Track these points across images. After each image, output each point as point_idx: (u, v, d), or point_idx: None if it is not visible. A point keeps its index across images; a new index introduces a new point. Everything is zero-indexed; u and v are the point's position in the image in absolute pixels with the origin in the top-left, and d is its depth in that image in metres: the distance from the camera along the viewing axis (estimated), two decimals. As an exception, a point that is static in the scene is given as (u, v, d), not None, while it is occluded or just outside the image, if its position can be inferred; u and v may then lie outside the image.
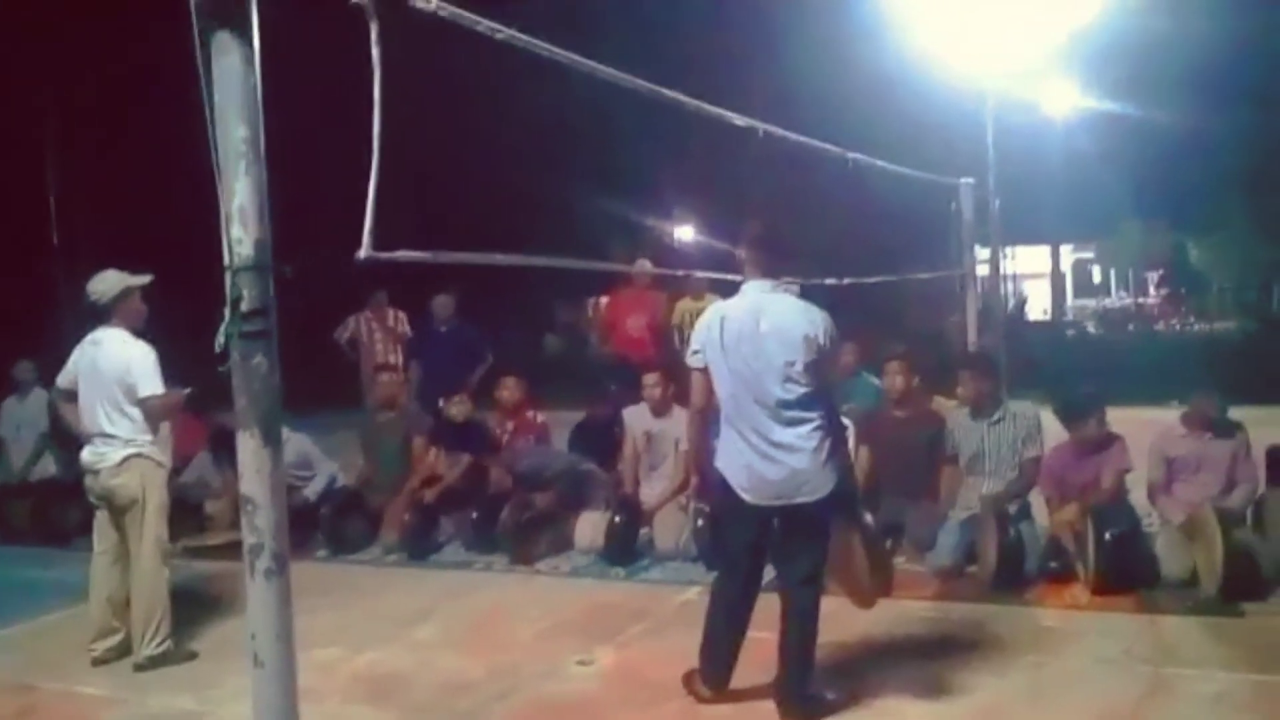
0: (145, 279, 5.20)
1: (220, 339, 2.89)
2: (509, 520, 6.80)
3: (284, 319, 3.06)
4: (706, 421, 4.26)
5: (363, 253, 3.23)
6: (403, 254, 3.46)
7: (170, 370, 5.14)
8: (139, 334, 5.16)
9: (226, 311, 2.88)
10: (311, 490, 7.53)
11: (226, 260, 2.85)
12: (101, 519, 5.20)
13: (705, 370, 4.17)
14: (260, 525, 2.98)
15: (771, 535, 4.18)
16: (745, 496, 4.07)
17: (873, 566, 4.30)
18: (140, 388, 5.00)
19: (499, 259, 4.47)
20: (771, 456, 4.00)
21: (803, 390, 4.00)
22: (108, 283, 5.13)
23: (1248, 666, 4.46)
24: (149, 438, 5.10)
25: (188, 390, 5.46)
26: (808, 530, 4.10)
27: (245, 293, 2.85)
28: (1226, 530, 5.28)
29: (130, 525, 5.09)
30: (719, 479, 4.16)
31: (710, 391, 4.17)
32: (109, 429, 5.05)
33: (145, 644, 5.02)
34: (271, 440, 2.97)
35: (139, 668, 5.01)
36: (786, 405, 4.00)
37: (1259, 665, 4.46)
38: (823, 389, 4.09)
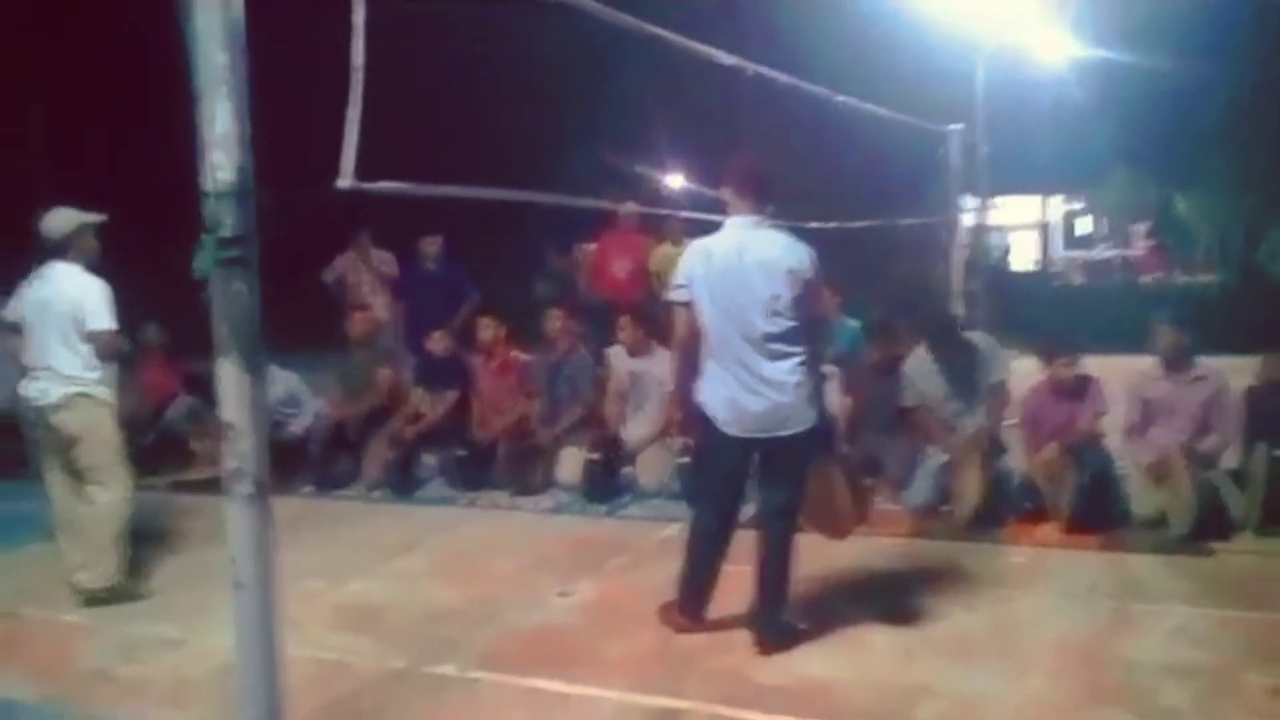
0: (100, 217, 5.13)
1: (199, 266, 2.91)
2: (507, 450, 6.95)
3: (269, 257, 3.08)
4: (690, 356, 4.25)
5: (343, 181, 3.25)
6: (384, 185, 3.48)
7: (141, 309, 5.10)
8: (93, 271, 5.07)
9: (206, 238, 2.90)
10: (299, 425, 7.59)
11: (206, 186, 2.86)
12: (46, 453, 5.12)
13: (689, 305, 4.18)
14: (241, 450, 3.03)
15: (751, 468, 4.25)
16: (727, 429, 4.13)
17: (852, 497, 4.39)
18: (90, 321, 4.92)
19: (482, 193, 4.49)
20: (754, 389, 4.06)
21: (787, 324, 4.04)
22: (63, 219, 5.05)
23: (1208, 602, 4.58)
24: (96, 375, 5.03)
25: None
26: (787, 464, 4.18)
27: (225, 219, 2.86)
28: (1194, 473, 5.38)
29: (76, 460, 5.04)
30: (700, 412, 4.20)
31: (694, 326, 4.18)
32: (55, 364, 4.96)
33: (90, 577, 5.00)
34: (252, 367, 3.00)
35: (84, 601, 4.99)
36: (770, 339, 4.04)
37: (1219, 601, 4.58)
38: (807, 324, 4.12)
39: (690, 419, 4.30)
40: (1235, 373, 6.12)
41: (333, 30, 3.99)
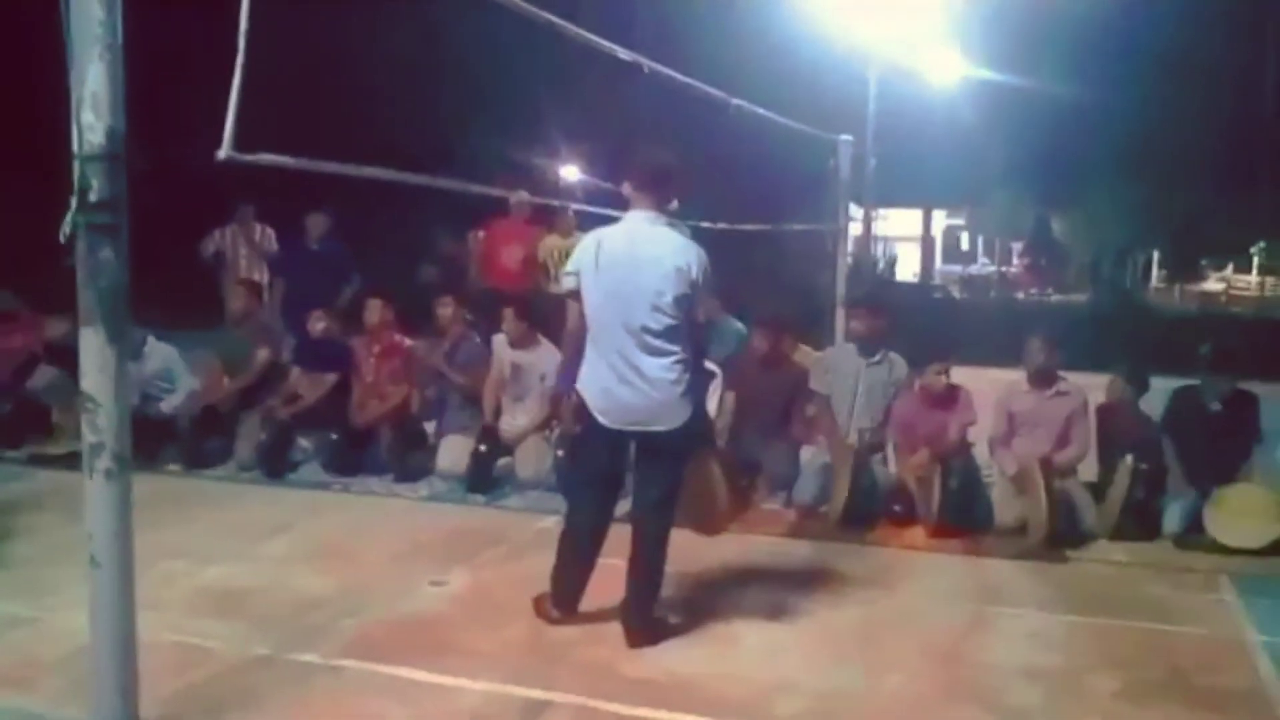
0: None
1: (65, 229, 2.79)
2: (390, 436, 6.88)
3: (148, 226, 2.98)
4: (579, 347, 4.23)
5: (223, 152, 3.14)
6: (266, 157, 3.37)
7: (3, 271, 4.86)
8: None
9: (74, 201, 2.78)
10: (168, 404, 7.34)
11: (75, 147, 2.75)
12: None
13: (577, 294, 4.18)
14: (101, 424, 2.93)
15: (627, 461, 4.27)
16: (602, 419, 4.14)
17: (730, 494, 4.44)
18: None
19: (369, 172, 4.39)
20: (630, 382, 4.07)
21: (669, 322, 4.06)
22: None
23: (1062, 608, 4.78)
24: None
25: None
26: (661, 459, 4.20)
27: (94, 182, 2.76)
28: (1049, 483, 5.62)
29: None
30: (578, 401, 4.21)
31: (582, 316, 4.18)
32: None
33: None
34: (116, 338, 2.90)
35: None
36: (652, 334, 4.05)
37: (1072, 607, 4.79)
38: (689, 324, 4.13)
39: (572, 409, 4.27)
40: (1100, 389, 6.41)
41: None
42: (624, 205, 4.31)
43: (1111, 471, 5.98)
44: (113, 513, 2.99)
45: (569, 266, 4.24)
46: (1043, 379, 6.13)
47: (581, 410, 4.20)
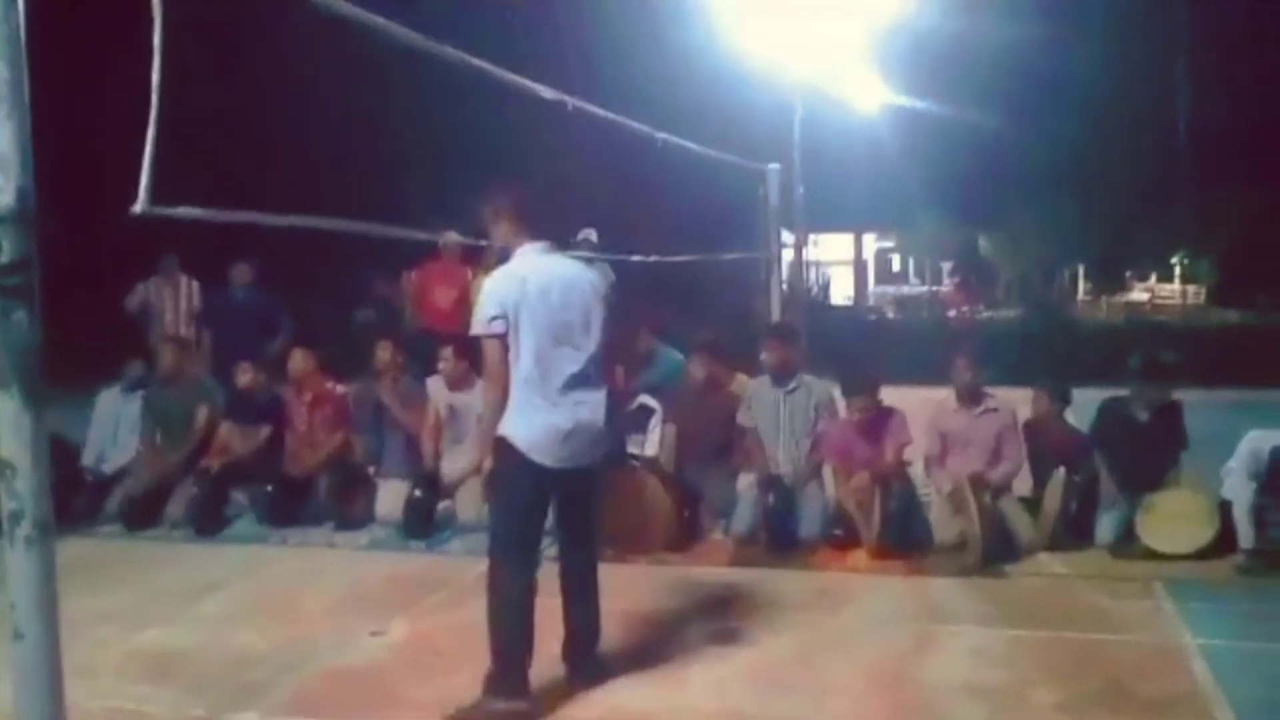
0: None
1: (-25, 293, 2.72)
2: (329, 483, 6.78)
3: (68, 286, 2.92)
4: (507, 391, 3.95)
5: (139, 206, 3.10)
6: (184, 210, 3.34)
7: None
8: None
9: (-18, 263, 2.72)
10: (111, 464, 7.22)
11: (-17, 209, 2.69)
12: None
13: (504, 336, 3.90)
14: (20, 490, 2.84)
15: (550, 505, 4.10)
16: (545, 463, 3.91)
17: (673, 509, 4.38)
18: None
19: (292, 221, 4.35)
20: (579, 417, 3.96)
21: (595, 346, 4.02)
22: None
23: (1003, 623, 4.85)
24: None
25: None
26: (590, 493, 4.17)
27: (4, 244, 2.69)
28: (981, 500, 5.70)
29: None
30: (506, 451, 3.93)
31: (506, 360, 3.93)
32: None
33: None
34: (32, 401, 2.82)
35: None
36: (593, 362, 4.01)
37: (1012, 621, 4.86)
38: (609, 345, 4.12)
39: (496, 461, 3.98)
40: (1029, 403, 6.52)
41: (138, 43, 3.83)
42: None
43: (1044, 485, 6.09)
44: (36, 581, 2.89)
45: (490, 309, 3.91)
46: (970, 397, 6.24)
47: (512, 458, 3.93)
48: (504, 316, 3.91)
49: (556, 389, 3.94)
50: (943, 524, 5.97)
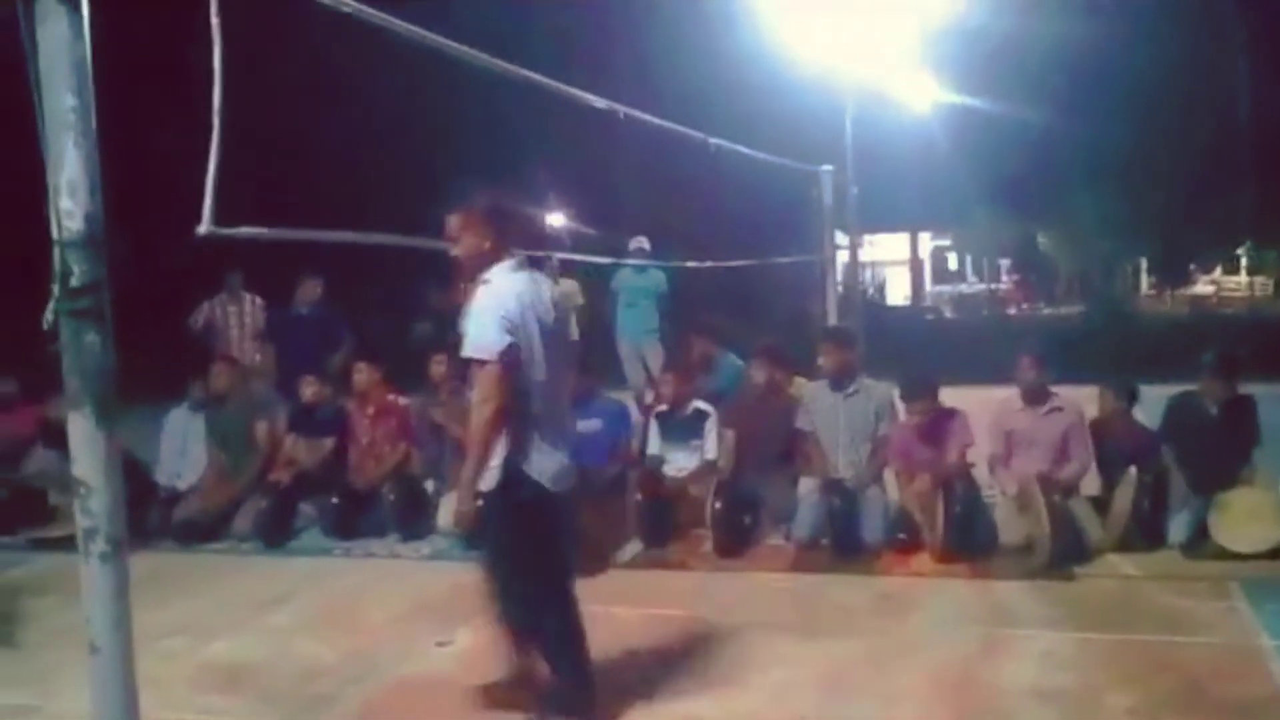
0: None
1: (49, 316, 2.80)
2: (393, 495, 6.84)
3: (134, 306, 2.99)
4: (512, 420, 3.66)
5: (203, 228, 3.16)
6: (245, 230, 3.39)
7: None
8: None
9: (55, 288, 2.79)
10: (185, 480, 7.38)
11: (54, 234, 2.76)
12: None
13: (517, 360, 3.63)
14: (94, 509, 2.91)
15: None
16: (555, 488, 3.74)
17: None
18: None
19: (350, 237, 4.41)
20: (569, 439, 3.88)
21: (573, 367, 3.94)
22: None
23: (1072, 626, 4.75)
24: None
25: None
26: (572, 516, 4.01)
27: (75, 268, 2.76)
28: (1050, 500, 5.60)
29: None
30: (524, 484, 3.68)
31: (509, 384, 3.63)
32: None
33: None
34: (105, 421, 2.88)
35: None
36: (571, 380, 3.97)
37: (1082, 624, 4.77)
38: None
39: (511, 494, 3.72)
40: (1094, 401, 6.40)
41: (197, 70, 3.91)
42: (604, 251, 4.29)
43: (1114, 484, 5.97)
44: (109, 596, 2.96)
45: (500, 328, 3.58)
46: (1035, 396, 6.13)
47: (531, 492, 3.68)
48: (515, 340, 3.64)
49: (559, 413, 3.81)
50: (1008, 525, 5.87)
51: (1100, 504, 5.96)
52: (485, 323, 3.61)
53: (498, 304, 3.64)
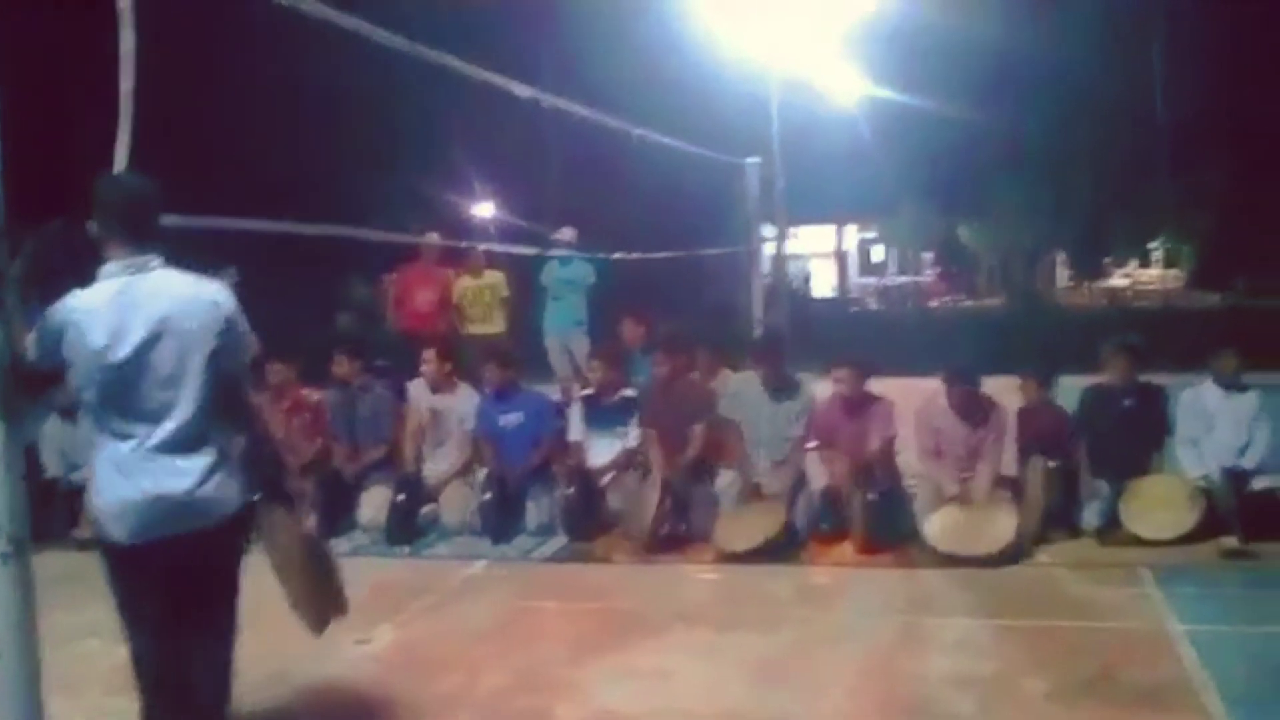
0: None
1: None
2: (311, 491, 6.63)
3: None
4: None
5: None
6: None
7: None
8: None
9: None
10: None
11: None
12: None
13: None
14: (-7, 507, 2.80)
15: None
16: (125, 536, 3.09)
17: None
18: None
19: (271, 226, 4.33)
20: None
21: None
22: None
23: (990, 613, 4.83)
24: None
25: None
26: None
27: (-28, 259, 2.66)
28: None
29: None
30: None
31: None
32: None
33: None
34: (6, 416, 2.78)
35: None
36: None
37: (1000, 612, 4.85)
38: None
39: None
40: (1013, 391, 6.48)
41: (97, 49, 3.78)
42: (529, 242, 4.23)
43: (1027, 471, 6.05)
44: (13, 598, 2.86)
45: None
46: (965, 407, 6.14)
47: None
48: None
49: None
50: (927, 514, 5.92)
51: (1015, 490, 6.02)
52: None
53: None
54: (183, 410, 2.97)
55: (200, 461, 3.02)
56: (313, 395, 7.15)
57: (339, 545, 6.43)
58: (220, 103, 15.96)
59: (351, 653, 4.64)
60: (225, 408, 3.07)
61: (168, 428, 2.96)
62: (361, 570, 5.94)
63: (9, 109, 2.75)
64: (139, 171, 3.23)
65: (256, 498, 3.17)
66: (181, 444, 2.99)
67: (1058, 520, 5.89)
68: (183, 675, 3.23)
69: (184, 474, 3.00)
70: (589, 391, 6.93)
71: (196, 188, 3.44)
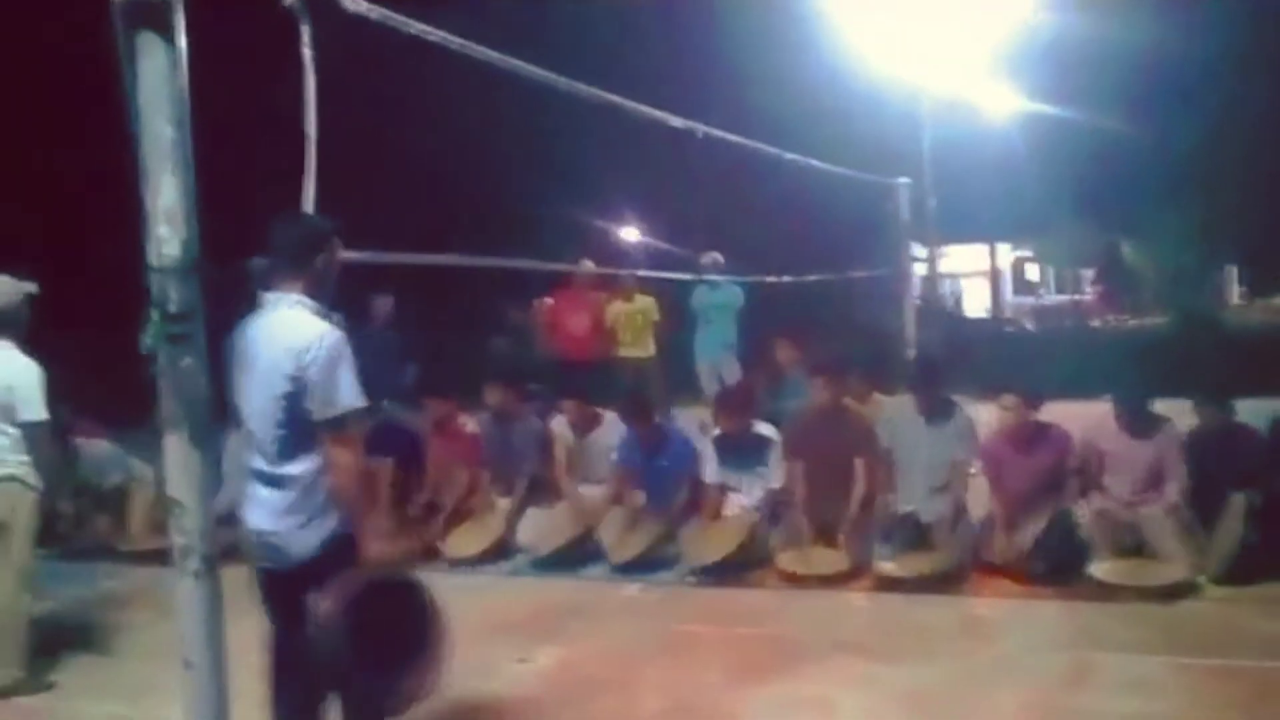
0: (33, 287, 4.77)
1: (147, 341, 2.88)
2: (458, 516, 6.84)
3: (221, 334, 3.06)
4: None
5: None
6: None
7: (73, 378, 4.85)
8: (26, 348, 4.71)
9: (153, 313, 2.87)
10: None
11: (152, 261, 2.84)
12: None
13: None
14: (188, 527, 2.98)
15: None
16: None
17: None
18: (22, 411, 4.60)
19: (434, 259, 4.50)
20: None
21: None
22: (5, 290, 4.68)
23: (1163, 650, 4.59)
24: (24, 458, 4.67)
25: None
26: None
27: (171, 294, 2.84)
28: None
29: None
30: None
31: None
32: None
33: None
34: (199, 443, 2.96)
35: None
36: None
37: (1174, 649, 4.60)
38: None
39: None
40: (1185, 414, 6.16)
41: (278, 95, 4.00)
42: (679, 268, 4.25)
43: (1218, 505, 5.61)
44: (203, 614, 3.03)
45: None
46: (1123, 422, 5.89)
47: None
48: None
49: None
50: (1100, 545, 5.68)
51: (1204, 524, 5.64)
52: (354, 373, 3.17)
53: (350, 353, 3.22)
54: (267, 451, 3.18)
55: (279, 502, 3.20)
56: (468, 424, 7.29)
57: (500, 567, 6.56)
58: (385, 141, 16.58)
59: (512, 670, 4.74)
60: (302, 453, 3.15)
61: (259, 465, 3.21)
62: (521, 591, 6.12)
63: (205, 152, 2.95)
64: (313, 209, 3.42)
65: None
66: (267, 481, 3.21)
67: (1255, 561, 5.38)
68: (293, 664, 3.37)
69: (268, 512, 3.22)
70: (718, 432, 6.66)
71: (361, 221, 3.60)
